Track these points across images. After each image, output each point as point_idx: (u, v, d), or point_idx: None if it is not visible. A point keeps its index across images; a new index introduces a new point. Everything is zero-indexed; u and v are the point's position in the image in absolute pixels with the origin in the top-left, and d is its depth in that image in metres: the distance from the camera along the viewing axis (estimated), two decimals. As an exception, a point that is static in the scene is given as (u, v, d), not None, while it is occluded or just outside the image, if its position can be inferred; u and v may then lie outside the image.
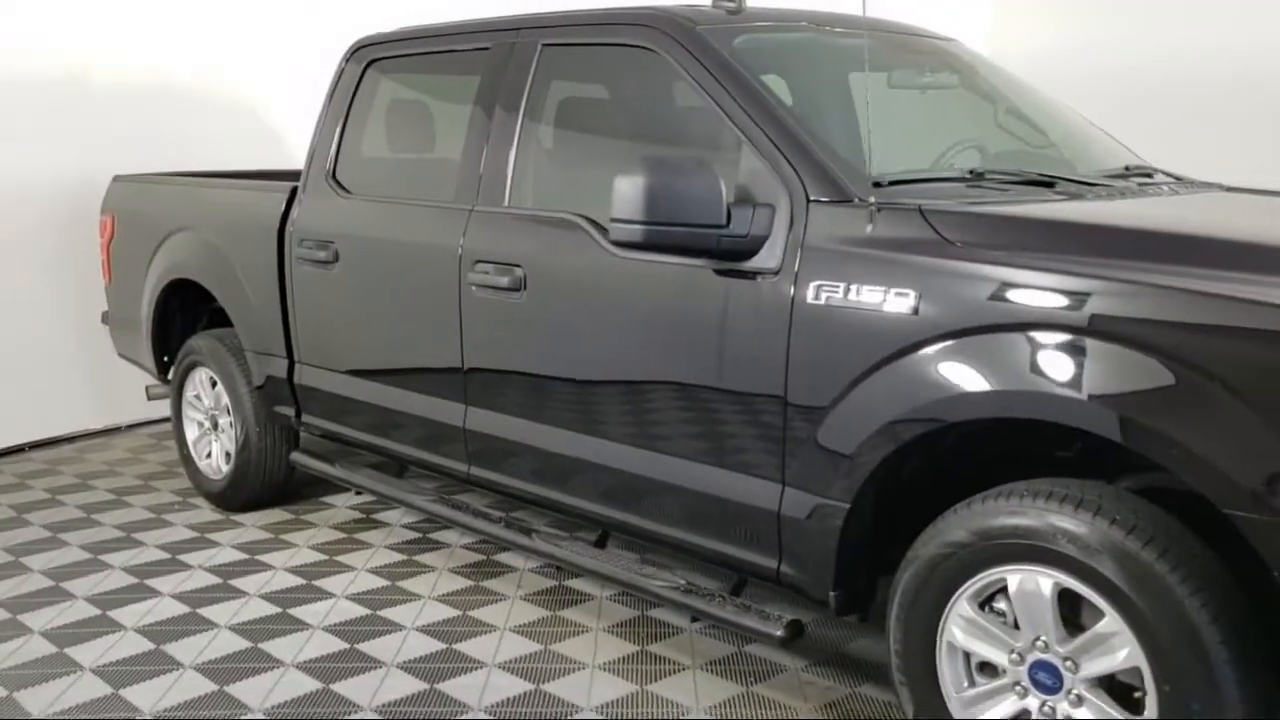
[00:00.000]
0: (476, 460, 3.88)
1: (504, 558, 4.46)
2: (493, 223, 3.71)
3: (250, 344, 4.81)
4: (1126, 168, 3.55)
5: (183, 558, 4.53)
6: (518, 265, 3.56)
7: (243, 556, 4.54)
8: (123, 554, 4.58)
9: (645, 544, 3.60)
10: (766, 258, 2.95)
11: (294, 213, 4.50)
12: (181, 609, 4.03)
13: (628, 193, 2.96)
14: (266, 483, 5.04)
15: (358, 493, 4.93)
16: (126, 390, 6.38)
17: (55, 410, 6.33)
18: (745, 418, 3.03)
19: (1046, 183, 3.21)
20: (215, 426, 5.16)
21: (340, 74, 4.48)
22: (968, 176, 3.18)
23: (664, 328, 3.21)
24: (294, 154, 6.84)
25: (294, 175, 5.72)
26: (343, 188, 4.36)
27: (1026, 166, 3.49)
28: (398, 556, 4.52)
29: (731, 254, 2.98)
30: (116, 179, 5.73)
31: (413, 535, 4.75)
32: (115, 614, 4.00)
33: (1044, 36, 6.45)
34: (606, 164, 3.59)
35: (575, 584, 4.18)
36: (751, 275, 2.97)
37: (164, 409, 6.15)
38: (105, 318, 5.89)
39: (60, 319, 6.30)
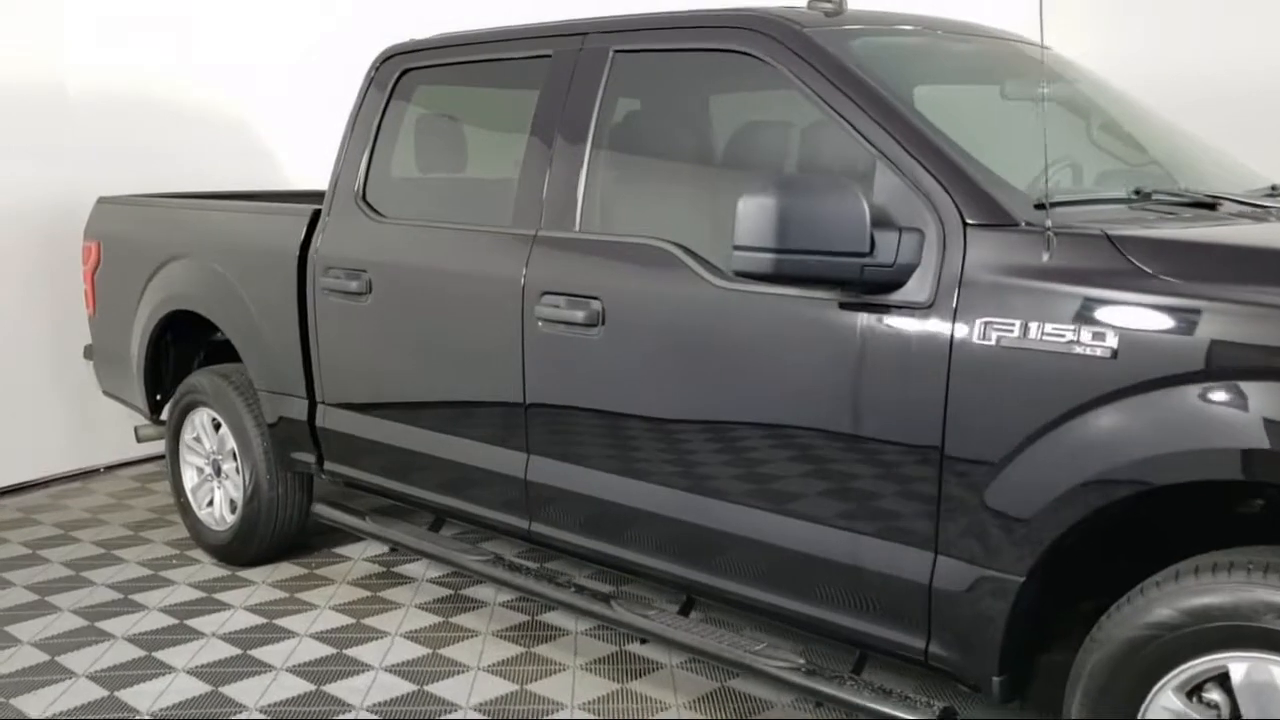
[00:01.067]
0: (539, 515, 3.45)
1: (550, 617, 4.03)
2: (562, 250, 3.29)
3: (263, 383, 4.35)
4: (1274, 187, 3.21)
5: (192, 623, 4.05)
6: (594, 298, 3.15)
7: (259, 621, 4.07)
8: (123, 620, 4.09)
9: (741, 614, 3.19)
10: (915, 290, 2.56)
11: (317, 239, 4.05)
12: (201, 687, 3.56)
13: (754, 216, 2.56)
14: (277, 535, 4.57)
15: (393, 550, 4.44)
16: (105, 429, 5.91)
17: (27, 452, 5.78)
18: (888, 474, 2.64)
19: (1209, 204, 2.85)
20: (218, 473, 4.68)
21: (368, 85, 4.05)
22: (1132, 197, 2.81)
23: (781, 368, 2.81)
24: (283, 172, 6.39)
25: (296, 196, 5.35)
26: (375, 210, 3.92)
27: (1153, 184, 3.13)
28: (432, 618, 4.07)
29: (875, 285, 2.59)
30: (102, 201, 5.24)
31: (443, 592, 4.31)
32: (125, 695, 3.51)
33: (1090, 43, 6.12)
34: (699, 185, 3.20)
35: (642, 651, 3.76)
36: (897, 309, 2.58)
37: (147, 449, 5.72)
38: (89, 352, 5.40)
39: (33, 352, 5.76)
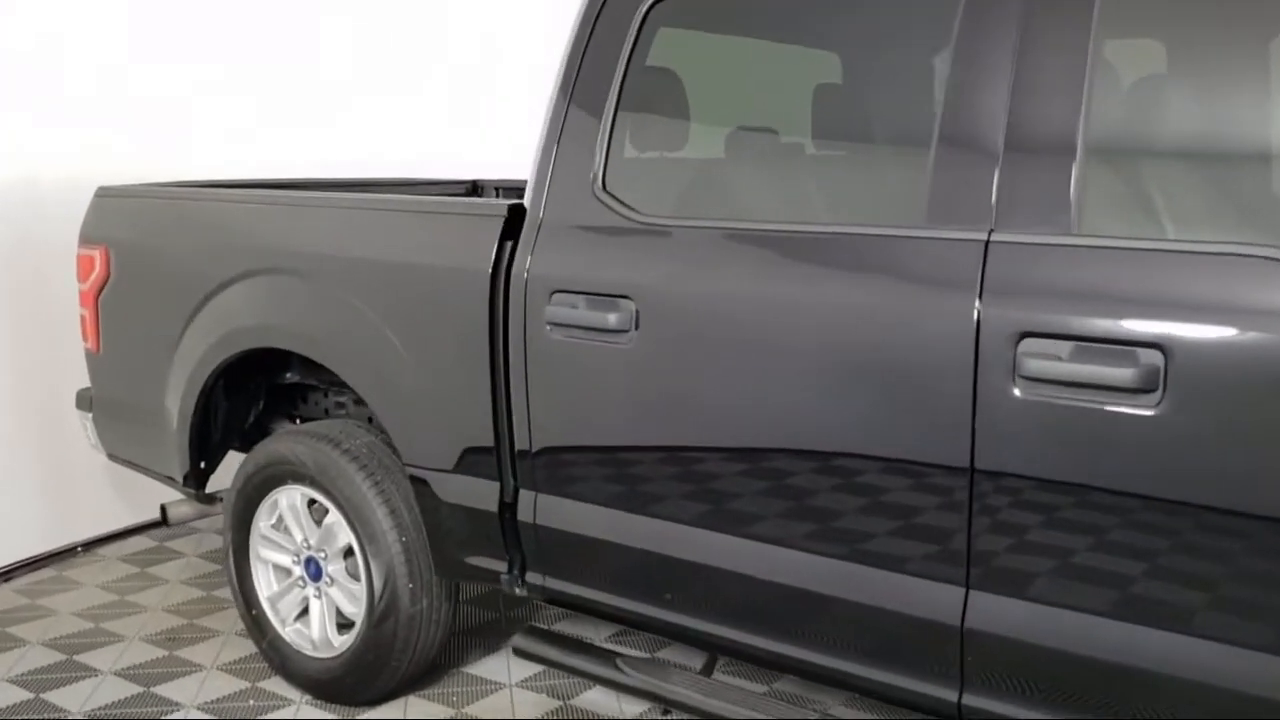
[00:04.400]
0: (986, 686, 2.22)
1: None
2: (1059, 265, 2.07)
3: (418, 456, 3.00)
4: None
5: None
6: (1152, 345, 1.94)
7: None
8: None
9: None
10: None
11: (526, 250, 2.73)
12: None
13: None
14: (414, 664, 3.23)
15: (666, 712, 3.06)
16: (80, 494, 4.48)
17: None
18: None
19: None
20: (316, 575, 3.31)
21: (591, 28, 2.73)
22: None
23: None
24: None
25: (394, 185, 4.02)
26: (628, 207, 2.62)
27: None
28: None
29: None
30: (104, 194, 3.78)
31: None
32: None
33: None
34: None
35: None
36: None
37: (128, 515, 4.60)
38: (86, 401, 3.91)
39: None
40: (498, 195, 4.87)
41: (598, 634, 3.65)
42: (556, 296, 2.65)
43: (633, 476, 2.61)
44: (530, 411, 2.74)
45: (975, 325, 2.11)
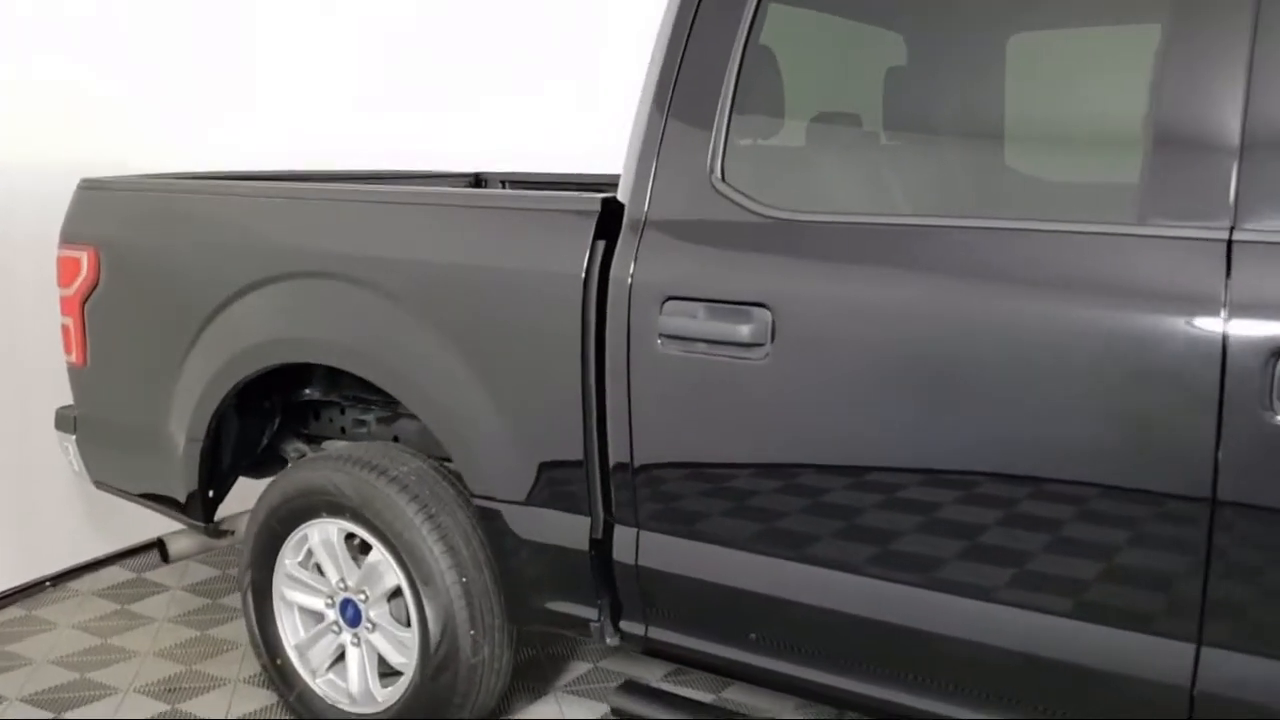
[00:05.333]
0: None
1: None
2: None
3: (486, 484, 2.62)
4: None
5: None
6: None
7: None
8: None
9: None
10: None
11: (628, 250, 2.36)
12: None
13: None
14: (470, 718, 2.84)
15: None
16: (46, 523, 4.04)
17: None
18: None
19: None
20: (353, 621, 2.91)
21: (697, 3, 2.37)
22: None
23: None
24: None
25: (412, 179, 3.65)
26: (756, 201, 2.26)
27: None
28: None
29: None
30: (89, 186, 3.34)
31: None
32: None
33: None
34: None
35: None
36: None
37: (108, 542, 4.20)
38: (68, 421, 3.46)
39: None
40: (503, 189, 4.49)
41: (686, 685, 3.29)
42: (671, 305, 2.29)
43: (768, 512, 2.26)
44: (633, 435, 2.37)
45: (1223, 344, 1.79)
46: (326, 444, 3.39)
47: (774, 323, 2.17)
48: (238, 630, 3.66)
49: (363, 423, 3.24)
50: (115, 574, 4.23)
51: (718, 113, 2.31)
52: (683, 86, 2.35)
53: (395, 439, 3.18)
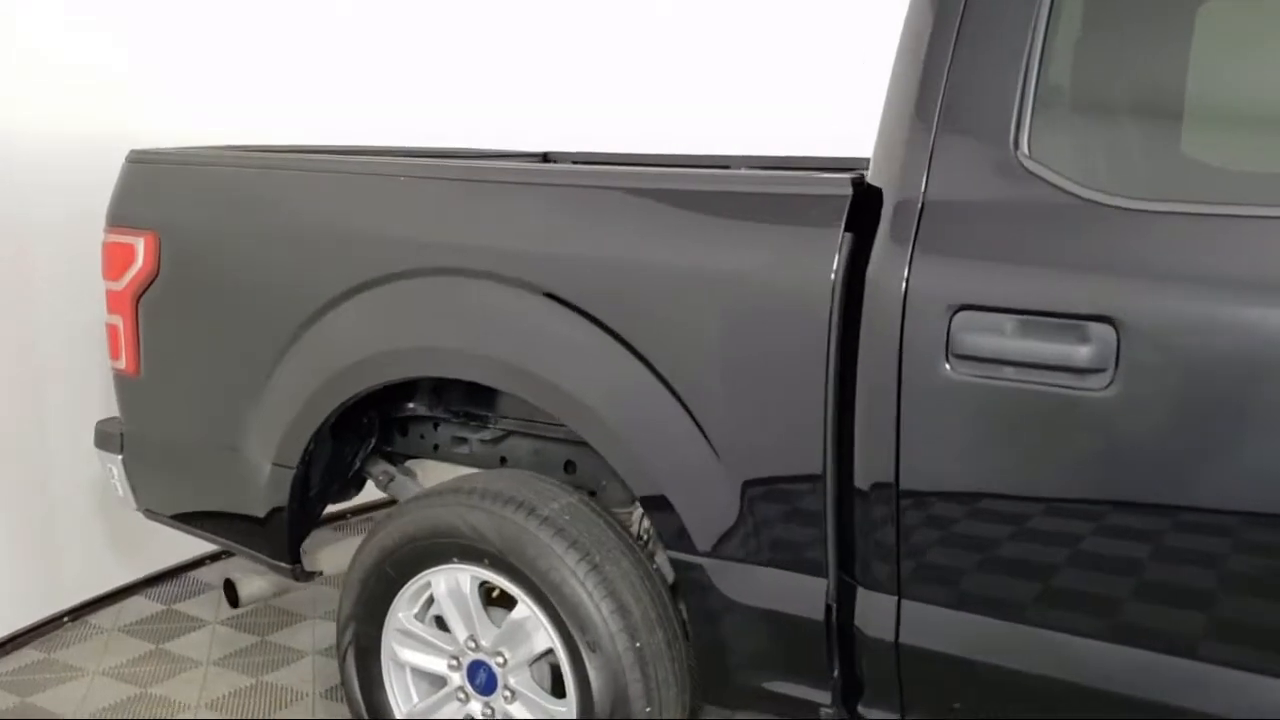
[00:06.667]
0: None
1: None
2: None
3: (691, 540, 2.11)
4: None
5: None
6: None
7: None
8: None
9: None
10: None
11: (897, 245, 1.87)
12: None
13: None
14: (635, 809, 2.35)
15: None
16: (65, 549, 3.51)
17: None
18: None
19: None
20: (487, 688, 2.41)
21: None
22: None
23: None
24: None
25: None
26: (1080, 184, 1.78)
27: None
28: None
29: None
30: (138, 159, 2.79)
31: None
32: None
33: None
34: None
35: None
36: None
37: (130, 570, 3.73)
38: (113, 440, 2.90)
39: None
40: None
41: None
42: (964, 316, 1.81)
43: (1102, 586, 1.78)
44: (900, 482, 1.89)
45: None
46: (409, 463, 2.91)
47: (1119, 342, 1.70)
48: (299, 675, 3.17)
49: (462, 440, 2.74)
50: (141, 606, 3.69)
51: (1022, 68, 1.82)
52: (968, 32, 1.86)
53: (502, 460, 2.69)
